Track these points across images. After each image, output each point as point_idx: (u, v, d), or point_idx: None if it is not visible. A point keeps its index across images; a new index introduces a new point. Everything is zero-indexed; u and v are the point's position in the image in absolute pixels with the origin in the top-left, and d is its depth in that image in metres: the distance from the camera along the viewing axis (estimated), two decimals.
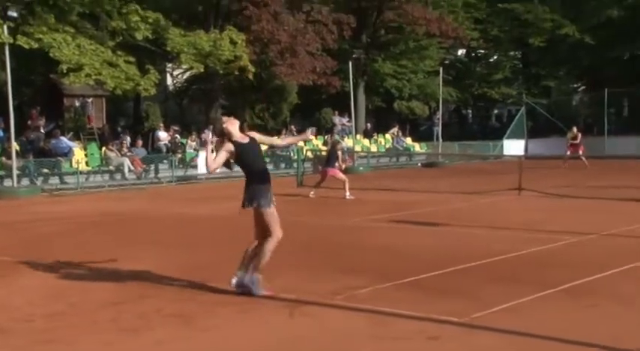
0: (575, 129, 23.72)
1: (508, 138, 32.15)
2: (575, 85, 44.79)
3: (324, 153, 25.05)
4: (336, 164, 15.34)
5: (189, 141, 24.15)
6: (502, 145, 31.28)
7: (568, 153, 23.00)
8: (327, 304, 5.86)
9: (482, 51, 42.37)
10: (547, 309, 5.56)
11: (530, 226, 10.10)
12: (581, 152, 22.87)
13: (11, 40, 18.51)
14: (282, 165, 25.44)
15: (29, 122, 21.83)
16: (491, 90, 39.72)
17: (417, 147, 31.26)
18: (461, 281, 6.63)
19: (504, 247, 8.28)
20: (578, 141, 23.37)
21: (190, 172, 22.64)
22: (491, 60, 42.79)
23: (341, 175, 15.11)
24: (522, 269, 7.16)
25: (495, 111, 49.42)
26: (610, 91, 31.62)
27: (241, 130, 6.69)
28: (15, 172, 17.71)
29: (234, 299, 6.05)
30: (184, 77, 40.55)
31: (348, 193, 14.75)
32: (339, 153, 15.57)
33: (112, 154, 21.17)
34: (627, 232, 9.42)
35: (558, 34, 36.95)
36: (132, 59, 22.61)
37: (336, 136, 28.00)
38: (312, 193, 15.37)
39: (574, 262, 7.39)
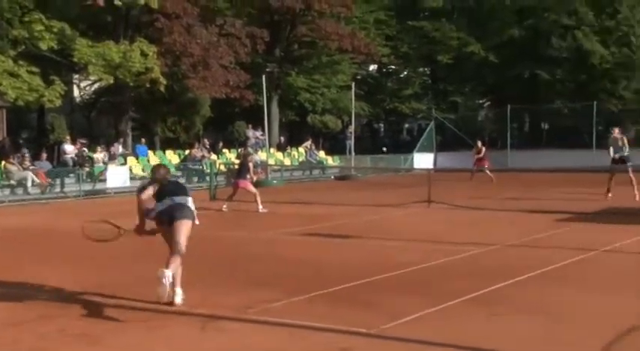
0: (479, 143, 24.61)
1: (418, 151, 33.01)
2: (481, 101, 46.59)
3: (237, 166, 24.96)
4: (248, 176, 15.27)
5: (97, 154, 23.44)
6: (412, 159, 32.08)
7: (474, 167, 23.85)
8: (240, 318, 5.82)
9: (393, 67, 43.37)
10: (453, 318, 5.73)
11: (438, 238, 10.39)
12: (486, 166, 23.75)
13: None
14: (195, 178, 25.09)
15: None
16: (402, 105, 40.70)
17: (330, 160, 31.57)
18: (372, 293, 6.73)
19: (413, 259, 8.48)
20: (482, 155, 24.27)
21: (99, 186, 21.95)
22: (402, 76, 43.87)
23: (251, 188, 15.04)
24: (430, 280, 7.36)
25: (406, 125, 50.64)
26: (512, 108, 33.11)
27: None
28: None
29: (142, 316, 5.92)
30: (92, 89, 39.39)
31: (260, 207, 14.66)
32: (251, 165, 15.54)
33: (13, 168, 20.22)
34: (528, 242, 9.85)
35: (464, 51, 38.39)
36: (35, 70, 21.78)
37: (249, 149, 27.94)
38: (224, 206, 15.25)
39: (478, 273, 7.66)
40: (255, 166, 16.05)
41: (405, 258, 8.61)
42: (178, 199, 6.61)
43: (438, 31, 39.12)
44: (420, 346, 4.99)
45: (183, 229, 6.46)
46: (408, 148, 36.21)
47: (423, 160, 31.47)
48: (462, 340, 5.05)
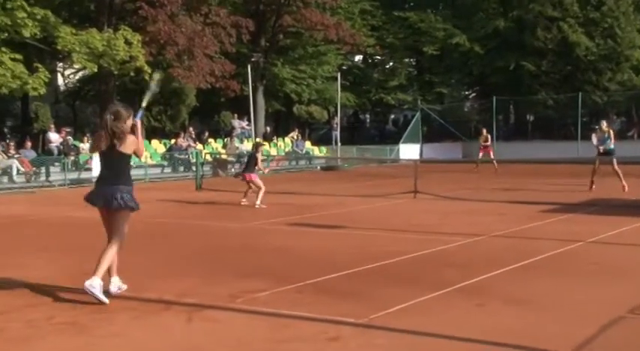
0: (484, 131, 24.59)
1: (404, 142, 33.10)
2: (467, 92, 46.78)
3: (223, 156, 24.90)
4: (256, 168, 14.31)
5: (82, 143, 23.29)
6: (398, 149, 32.16)
7: (480, 155, 23.79)
8: (227, 307, 5.82)
9: (379, 57, 43.40)
10: (441, 308, 5.77)
11: (425, 228, 10.43)
12: (492, 155, 23.76)
13: None
14: (181, 168, 24.99)
15: None
16: (388, 96, 40.74)
17: (316, 151, 31.58)
18: (359, 283, 6.76)
19: (401, 249, 8.51)
20: (489, 143, 24.25)
21: (84, 175, 21.81)
22: (388, 66, 43.90)
23: (258, 182, 14.02)
24: (418, 270, 7.40)
25: (392, 116, 50.75)
26: (498, 99, 33.26)
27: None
28: None
29: (129, 305, 5.90)
30: (77, 77, 39.06)
31: (259, 202, 13.68)
32: (259, 156, 14.50)
33: None
34: (515, 233, 9.92)
35: (450, 43, 38.47)
36: (19, 57, 21.52)
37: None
38: (259, 202, 13.88)
39: (465, 263, 7.70)
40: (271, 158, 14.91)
41: (393, 248, 8.65)
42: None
43: (423, 22, 39.16)
44: (408, 336, 5.02)
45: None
46: (393, 139, 36.29)
47: (409, 151, 31.55)
48: (449, 330, 5.08)
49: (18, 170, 19.88)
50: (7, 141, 21.71)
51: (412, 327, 5.15)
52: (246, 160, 15.03)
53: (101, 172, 6.28)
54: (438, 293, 6.20)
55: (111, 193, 6.04)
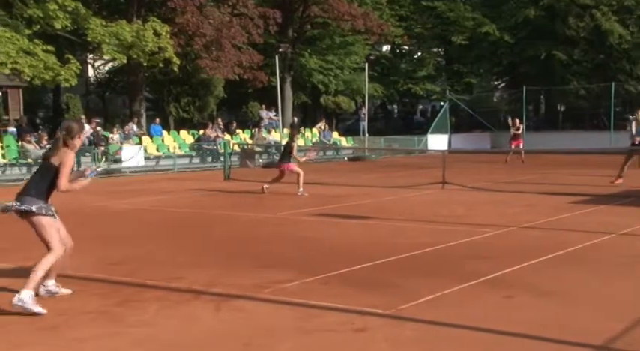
0: (517, 121, 24.29)
1: (432, 133, 32.87)
2: (496, 82, 46.23)
3: (250, 147, 24.98)
4: (291, 157, 14.20)
5: (112, 134, 23.58)
6: (427, 140, 31.95)
7: (512, 146, 23.50)
8: (254, 297, 5.85)
9: (407, 48, 43.09)
10: (469, 300, 5.73)
11: (453, 219, 10.36)
12: (521, 145, 23.48)
13: None
14: (209, 159, 25.16)
15: None
16: (416, 86, 40.45)
17: (344, 141, 31.54)
18: (387, 274, 6.74)
19: (429, 240, 8.47)
20: (519, 132, 23.95)
21: (114, 165, 22.11)
22: (416, 57, 43.59)
23: (296, 169, 14.02)
24: (446, 261, 7.36)
25: (420, 106, 50.43)
26: (528, 89, 32.82)
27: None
28: None
29: (158, 294, 5.97)
30: (106, 69, 39.50)
31: (301, 189, 13.76)
32: (294, 145, 14.36)
33: (30, 147, 20.41)
34: (544, 224, 9.80)
35: (479, 32, 38.02)
36: (51, 49, 21.83)
37: (263, 130, 27.94)
38: (301, 190, 13.97)
39: (494, 255, 7.64)
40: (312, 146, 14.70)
41: (420, 239, 8.61)
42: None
43: (452, 11, 38.75)
44: (436, 328, 5.00)
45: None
46: (422, 129, 36.07)
47: (437, 142, 31.32)
48: (477, 321, 5.05)
49: None
50: (40, 132, 22.05)
51: (440, 318, 5.14)
52: (282, 150, 14.93)
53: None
54: (466, 285, 6.17)
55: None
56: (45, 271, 5.62)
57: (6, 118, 23.77)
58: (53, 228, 5.74)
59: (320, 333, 4.89)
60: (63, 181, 5.66)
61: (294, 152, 14.40)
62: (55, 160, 5.72)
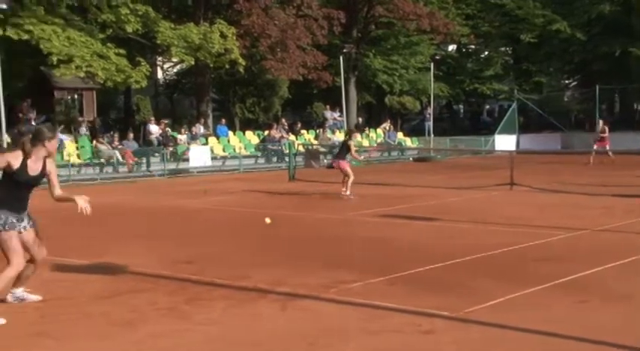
0: (601, 122, 23.59)
1: (500, 133, 32.20)
2: (567, 81, 44.92)
3: (315, 147, 25.08)
4: (348, 157, 13.99)
5: (180, 135, 24.10)
6: (494, 140, 31.34)
7: (595, 147, 22.84)
8: (320, 297, 5.85)
9: (473, 47, 42.39)
10: (540, 304, 5.57)
11: (522, 221, 10.11)
12: (607, 146, 22.76)
13: (1, 32, 18.38)
14: (274, 159, 25.39)
15: (20, 115, 21.68)
16: (483, 86, 39.72)
17: (409, 142, 31.29)
18: (453, 276, 6.63)
19: (497, 242, 8.29)
20: (606, 134, 23.26)
21: (182, 165, 22.60)
22: (482, 56, 42.84)
23: (348, 170, 13.76)
24: (515, 264, 7.18)
25: (487, 106, 49.54)
26: (601, 88, 31.74)
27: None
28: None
29: (225, 293, 6.05)
30: (175, 70, 40.41)
31: (348, 191, 13.52)
32: (352, 143, 14.10)
33: (102, 147, 21.09)
34: (621, 227, 9.44)
35: (549, 29, 37.00)
36: (122, 52, 22.48)
37: (328, 131, 28.01)
38: (347, 192, 13.70)
39: (567, 258, 7.41)
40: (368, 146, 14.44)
41: (488, 241, 8.43)
42: None
43: (521, 8, 37.85)
44: (505, 331, 4.88)
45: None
46: (489, 129, 35.41)
47: (505, 142, 30.63)
48: (548, 326, 4.90)
49: (118, 160, 20.84)
50: (112, 133, 22.76)
51: (509, 322, 5.01)
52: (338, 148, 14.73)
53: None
54: (536, 288, 6.00)
55: None
56: (4, 285, 5.43)
57: (80, 119, 24.63)
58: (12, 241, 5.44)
59: (385, 334, 4.85)
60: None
61: (353, 151, 14.16)
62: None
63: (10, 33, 19.68)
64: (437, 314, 5.24)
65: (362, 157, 14.98)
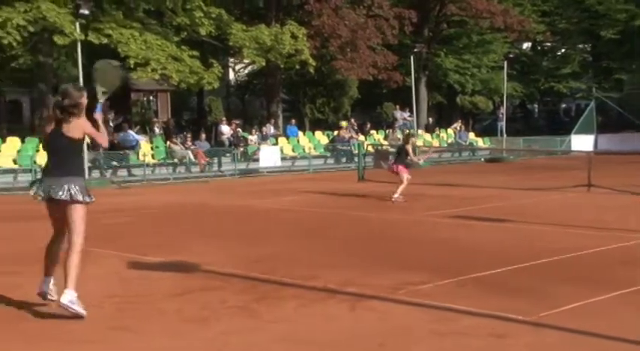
0: None
1: (576, 133, 31.21)
2: None
3: (385, 147, 24.96)
4: (407, 159, 13.86)
5: (251, 135, 24.44)
6: (570, 140, 30.40)
7: None
8: (389, 298, 5.81)
9: (549, 44, 41.24)
10: (619, 310, 5.36)
11: (601, 224, 9.76)
12: None
13: (83, 37, 19.12)
14: (343, 159, 25.42)
15: None
16: (559, 84, 38.61)
17: (480, 142, 30.74)
18: (527, 279, 6.46)
19: (573, 245, 8.03)
20: None
21: (252, 165, 22.92)
22: (559, 53, 41.62)
23: (405, 175, 13.57)
24: (592, 268, 6.93)
25: (563, 105, 48.11)
26: None
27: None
28: (86, 164, 18.29)
29: (294, 292, 6.08)
30: (246, 72, 41.05)
31: (397, 194, 13.27)
32: (410, 147, 13.98)
33: (176, 147, 21.62)
34: None
35: (632, 25, 35.59)
36: (196, 54, 22.99)
37: (398, 131, 27.82)
38: (397, 196, 13.51)
39: None
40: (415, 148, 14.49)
41: (563, 244, 8.18)
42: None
43: (601, 4, 36.57)
44: (581, 337, 4.71)
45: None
46: (565, 129, 34.37)
47: (582, 142, 29.66)
48: (628, 334, 4.70)
49: (190, 160, 21.34)
50: (185, 133, 23.31)
51: (586, 328, 4.83)
52: (397, 151, 14.58)
53: (47, 161, 5.47)
54: (615, 293, 5.77)
55: (54, 185, 5.21)
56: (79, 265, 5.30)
57: (155, 120, 25.35)
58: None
59: (456, 336, 4.77)
60: (104, 140, 5.50)
61: (412, 155, 14.02)
62: (73, 133, 5.24)
63: (92, 37, 20.43)
64: (509, 317, 5.11)
65: (422, 160, 14.84)
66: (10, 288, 6.25)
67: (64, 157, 5.26)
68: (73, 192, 5.19)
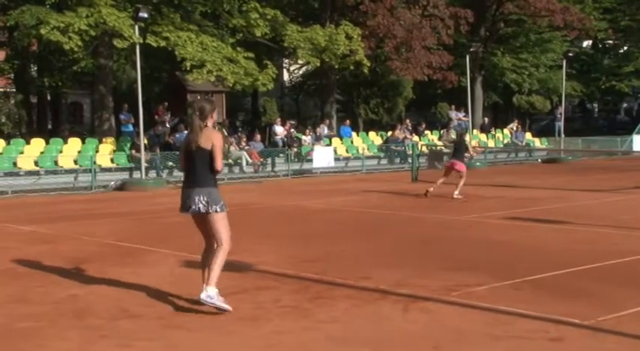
0: None
1: (638, 133, 30.24)
2: None
3: (439, 148, 24.73)
4: (467, 154, 14.10)
5: (304, 136, 24.55)
6: (632, 141, 29.46)
7: None
8: (443, 300, 5.76)
9: (611, 42, 40.11)
10: None
11: None
12: None
13: (141, 40, 19.57)
14: (397, 160, 25.29)
15: (156, 117, 22.96)
16: (621, 83, 37.51)
17: (537, 142, 30.12)
18: (585, 282, 6.31)
19: (635, 248, 7.80)
20: None
21: (306, 165, 23.01)
22: (621, 51, 40.43)
23: (463, 172, 13.84)
24: None
25: (624, 104, 46.71)
26: None
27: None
28: (143, 164, 18.71)
29: (346, 292, 6.08)
30: (300, 72, 41.28)
31: (457, 192, 13.64)
32: (468, 143, 14.21)
33: (231, 148, 21.89)
34: None
35: None
36: (251, 55, 23.24)
37: (452, 131, 27.49)
38: (456, 193, 13.81)
39: None
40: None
41: (625, 246, 7.95)
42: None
43: None
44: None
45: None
46: (626, 129, 33.35)
47: None
48: None
49: (247, 161, 21.56)
50: (239, 134, 23.57)
51: None
52: (454, 148, 14.64)
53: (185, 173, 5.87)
54: None
55: (192, 196, 5.69)
56: (222, 266, 5.61)
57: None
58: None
59: (511, 340, 4.69)
60: (219, 162, 5.72)
61: (471, 149, 14.42)
62: (205, 144, 5.62)
63: (150, 40, 20.90)
64: (566, 321, 5.01)
65: (475, 154, 15.12)
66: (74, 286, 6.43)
67: (199, 169, 5.83)
68: (204, 202, 5.73)
